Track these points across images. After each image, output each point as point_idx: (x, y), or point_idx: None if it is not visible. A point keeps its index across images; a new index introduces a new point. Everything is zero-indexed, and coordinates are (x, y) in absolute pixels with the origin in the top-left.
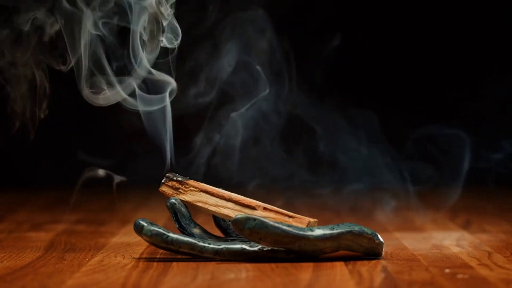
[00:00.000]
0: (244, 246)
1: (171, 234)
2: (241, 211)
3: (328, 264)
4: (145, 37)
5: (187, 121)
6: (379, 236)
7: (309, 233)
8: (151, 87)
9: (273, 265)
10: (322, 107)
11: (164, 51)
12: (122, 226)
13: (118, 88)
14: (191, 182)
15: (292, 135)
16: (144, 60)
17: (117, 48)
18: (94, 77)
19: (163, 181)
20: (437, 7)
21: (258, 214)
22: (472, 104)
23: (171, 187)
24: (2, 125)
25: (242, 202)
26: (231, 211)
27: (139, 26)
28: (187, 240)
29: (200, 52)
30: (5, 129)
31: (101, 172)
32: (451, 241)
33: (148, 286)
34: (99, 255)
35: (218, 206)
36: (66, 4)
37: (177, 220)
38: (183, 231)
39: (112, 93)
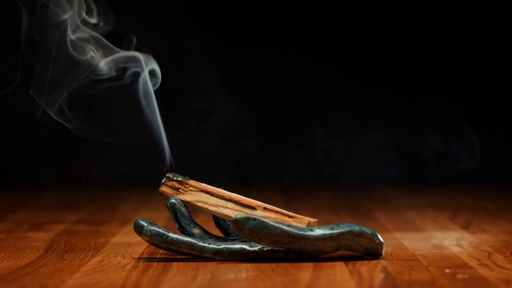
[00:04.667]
0: (244, 246)
1: (171, 234)
2: (241, 211)
3: (328, 264)
4: None
5: None
6: (379, 236)
7: (309, 233)
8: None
9: (273, 265)
10: None
11: None
12: (122, 226)
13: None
14: (191, 182)
15: None
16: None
17: None
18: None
19: (163, 181)
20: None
21: (258, 214)
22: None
23: (171, 187)
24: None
25: (242, 202)
26: (231, 211)
27: None
28: (187, 240)
29: None
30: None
31: None
32: (451, 241)
33: (148, 286)
34: (99, 255)
35: (218, 206)
36: None
37: (177, 220)
38: (183, 231)
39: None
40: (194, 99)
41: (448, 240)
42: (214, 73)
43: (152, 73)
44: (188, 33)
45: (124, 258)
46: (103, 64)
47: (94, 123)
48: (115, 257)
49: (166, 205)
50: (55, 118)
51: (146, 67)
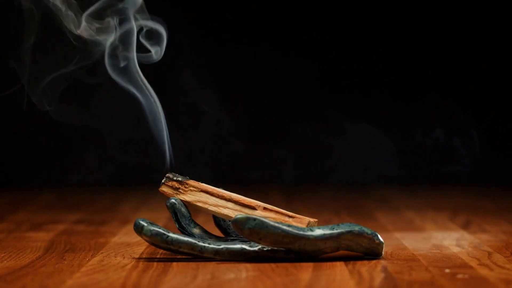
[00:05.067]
0: (244, 246)
1: (171, 234)
2: (241, 211)
3: (328, 264)
4: None
5: None
6: (379, 236)
7: (309, 233)
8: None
9: (273, 265)
10: None
11: None
12: (122, 226)
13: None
14: (191, 182)
15: None
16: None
17: None
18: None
19: (163, 181)
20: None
21: (258, 214)
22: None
23: (171, 187)
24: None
25: (242, 202)
26: (231, 211)
27: None
28: (187, 240)
29: None
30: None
31: None
32: (451, 241)
33: (148, 286)
34: (99, 255)
35: (218, 206)
36: None
37: (177, 220)
38: (183, 231)
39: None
40: (191, 97)
41: (448, 240)
42: (216, 72)
43: (153, 36)
44: (182, 32)
45: (124, 258)
46: (84, 24)
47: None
48: (115, 257)
49: (166, 205)
50: (37, 105)
51: (135, 16)
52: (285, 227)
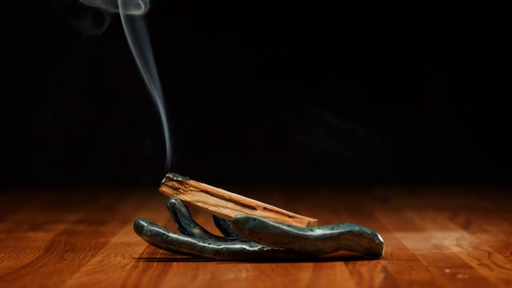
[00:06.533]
0: (244, 246)
1: (171, 234)
2: (241, 211)
3: (328, 264)
4: None
5: None
6: (379, 236)
7: (309, 233)
8: None
9: (273, 265)
10: None
11: None
12: (122, 226)
13: None
14: (191, 182)
15: None
16: None
17: None
18: None
19: (163, 181)
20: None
21: (258, 214)
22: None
23: (171, 187)
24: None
25: (242, 202)
26: (231, 211)
27: None
28: (187, 240)
29: None
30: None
31: None
32: (451, 241)
33: (148, 286)
34: (99, 255)
35: (218, 206)
36: None
37: (177, 220)
38: (183, 231)
39: None
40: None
41: (448, 240)
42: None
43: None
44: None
45: (124, 258)
46: None
47: None
48: (115, 257)
49: (166, 205)
50: None
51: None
52: (285, 227)
